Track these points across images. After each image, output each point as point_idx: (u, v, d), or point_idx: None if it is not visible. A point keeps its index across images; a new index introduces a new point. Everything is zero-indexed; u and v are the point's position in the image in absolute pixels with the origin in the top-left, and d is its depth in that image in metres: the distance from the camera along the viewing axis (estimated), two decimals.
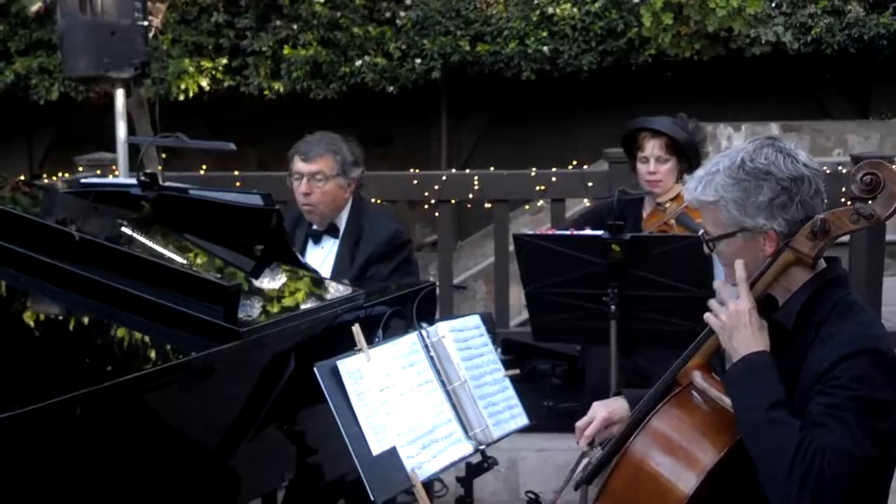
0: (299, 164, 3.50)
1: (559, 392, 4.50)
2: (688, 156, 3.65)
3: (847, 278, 2.17)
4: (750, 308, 2.06)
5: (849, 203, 2.07)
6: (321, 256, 3.54)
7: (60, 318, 2.67)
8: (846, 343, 1.97)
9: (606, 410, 2.34)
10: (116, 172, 5.08)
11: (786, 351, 2.06)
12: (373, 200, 4.58)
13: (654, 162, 3.62)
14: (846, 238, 5.13)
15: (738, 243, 2.10)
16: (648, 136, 3.65)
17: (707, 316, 2.13)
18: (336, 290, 2.94)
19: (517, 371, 2.74)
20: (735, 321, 2.06)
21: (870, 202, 2.01)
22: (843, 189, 4.54)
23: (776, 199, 2.04)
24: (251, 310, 2.58)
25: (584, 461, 2.36)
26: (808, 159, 2.09)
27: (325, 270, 3.43)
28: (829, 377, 1.96)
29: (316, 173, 3.46)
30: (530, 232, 3.65)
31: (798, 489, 1.88)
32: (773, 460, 1.93)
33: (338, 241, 3.56)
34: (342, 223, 3.57)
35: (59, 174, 5.87)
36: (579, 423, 2.36)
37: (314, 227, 3.61)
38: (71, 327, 2.62)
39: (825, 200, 2.10)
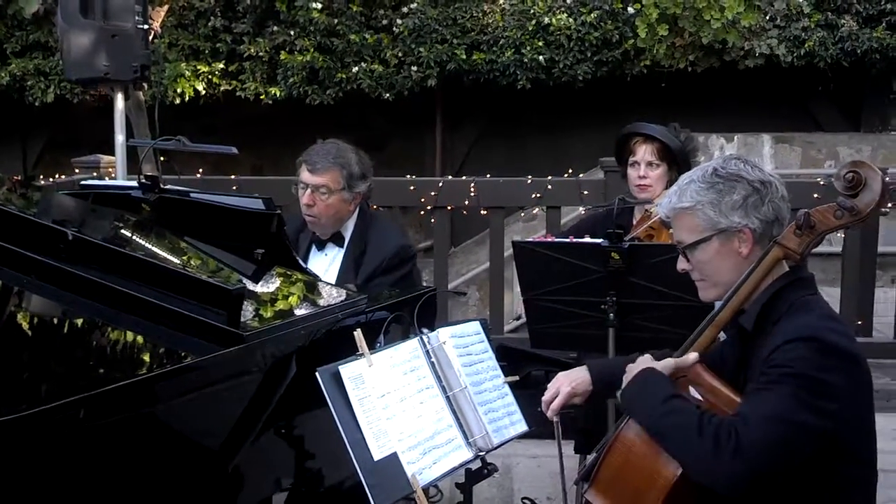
0: (305, 175, 3.43)
1: None
2: (678, 164, 3.66)
3: (813, 280, 2.23)
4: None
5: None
6: (324, 264, 3.50)
7: (60, 319, 2.66)
8: (787, 332, 2.05)
9: (571, 385, 2.47)
10: (113, 175, 5.08)
11: (748, 352, 2.16)
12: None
13: (644, 167, 3.63)
14: (838, 249, 5.19)
15: (714, 247, 2.19)
16: (641, 140, 3.66)
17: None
18: (337, 295, 2.94)
19: (516, 378, 2.75)
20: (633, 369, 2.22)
21: (852, 198, 2.11)
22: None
23: (749, 197, 2.16)
24: (253, 314, 2.58)
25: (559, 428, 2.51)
26: (772, 171, 2.25)
27: (329, 279, 3.40)
28: (767, 361, 2.03)
29: (320, 186, 3.39)
30: (528, 239, 3.66)
31: (713, 450, 1.95)
32: (682, 441, 2.01)
33: (342, 251, 3.52)
34: (348, 233, 3.52)
35: (55, 176, 5.85)
36: (545, 398, 2.49)
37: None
38: (71, 329, 2.61)
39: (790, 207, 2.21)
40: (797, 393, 1.96)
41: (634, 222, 3.73)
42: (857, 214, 2.11)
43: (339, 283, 3.37)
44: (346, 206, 3.47)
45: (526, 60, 8.80)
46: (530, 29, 8.85)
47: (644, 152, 3.64)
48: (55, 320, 2.67)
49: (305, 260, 3.49)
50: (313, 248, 3.54)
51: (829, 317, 2.14)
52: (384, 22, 9.09)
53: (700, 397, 2.16)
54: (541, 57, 8.79)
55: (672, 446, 2.04)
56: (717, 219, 2.17)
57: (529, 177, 5.26)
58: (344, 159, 3.44)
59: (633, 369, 2.22)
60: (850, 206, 2.11)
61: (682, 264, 2.28)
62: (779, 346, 2.02)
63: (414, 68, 8.94)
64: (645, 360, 2.22)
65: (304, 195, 3.43)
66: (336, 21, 8.98)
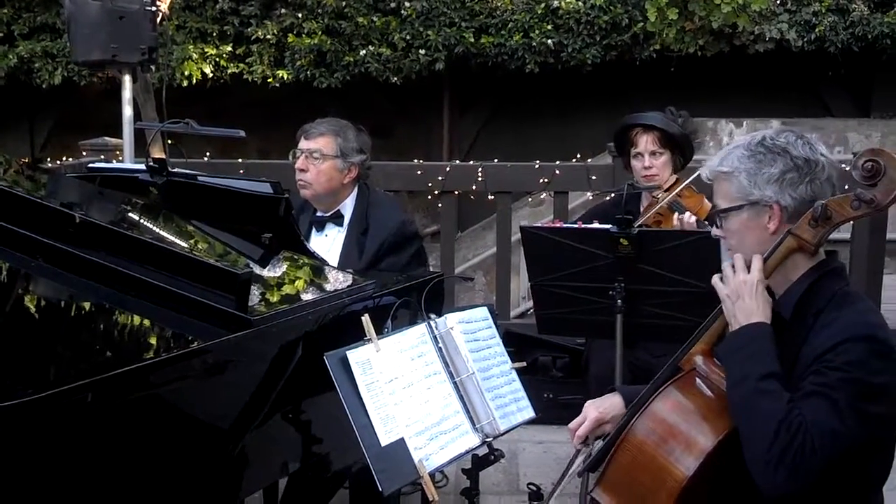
0: (301, 142, 3.53)
1: (560, 384, 4.51)
2: (681, 148, 3.68)
3: (844, 270, 2.19)
4: (759, 280, 2.08)
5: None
6: (325, 245, 3.50)
7: (67, 303, 2.66)
8: (843, 329, 1.99)
9: (598, 410, 2.36)
10: (120, 158, 5.07)
11: (783, 340, 2.08)
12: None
13: (648, 157, 3.65)
14: (847, 235, 5.16)
15: (743, 218, 2.13)
16: (641, 131, 3.67)
17: (715, 280, 2.15)
18: (345, 280, 2.93)
19: (524, 363, 2.75)
20: (742, 290, 2.08)
21: (870, 188, 2.03)
22: (847, 187, 4.56)
23: (787, 172, 2.07)
24: (261, 298, 2.57)
25: (580, 458, 2.37)
26: (826, 152, 2.12)
27: (331, 260, 3.41)
28: (823, 360, 1.98)
29: (314, 151, 3.47)
30: (537, 224, 3.66)
31: (778, 458, 1.90)
32: (757, 428, 1.95)
33: (343, 230, 3.53)
34: (347, 211, 3.54)
35: (62, 158, 5.84)
36: (571, 424, 2.38)
37: (318, 213, 3.59)
38: (78, 313, 2.61)
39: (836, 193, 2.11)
40: (854, 404, 1.93)
41: (642, 209, 3.72)
42: (877, 205, 2.03)
43: (342, 264, 3.38)
44: (339, 177, 3.51)
45: (534, 44, 8.75)
46: (539, 12, 8.80)
47: (646, 143, 3.65)
48: (62, 304, 2.66)
49: (306, 242, 3.49)
50: (313, 229, 3.57)
51: (875, 311, 2.10)
52: (392, 5, 9.04)
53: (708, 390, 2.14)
54: (549, 41, 8.74)
55: (745, 424, 1.98)
56: (750, 189, 2.10)
57: (537, 161, 5.23)
58: (340, 129, 3.52)
59: (745, 311, 2.07)
60: (868, 197, 2.02)
61: (715, 230, 2.23)
62: (836, 345, 1.97)
63: (422, 52, 8.90)
64: (760, 310, 2.08)
65: (298, 160, 3.51)
66: (344, 4, 8.94)
